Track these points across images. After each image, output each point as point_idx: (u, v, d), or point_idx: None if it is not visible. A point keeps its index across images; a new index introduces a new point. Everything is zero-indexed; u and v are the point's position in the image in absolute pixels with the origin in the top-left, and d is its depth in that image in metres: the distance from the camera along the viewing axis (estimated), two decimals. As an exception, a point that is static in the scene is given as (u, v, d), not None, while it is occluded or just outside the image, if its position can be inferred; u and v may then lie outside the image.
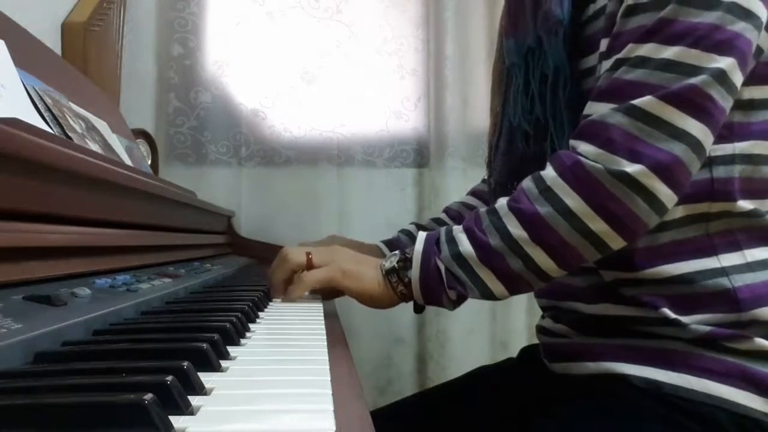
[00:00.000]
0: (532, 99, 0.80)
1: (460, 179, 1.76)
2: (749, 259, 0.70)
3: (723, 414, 0.67)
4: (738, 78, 0.66)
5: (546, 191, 0.69)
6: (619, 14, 0.70)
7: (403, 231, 1.05)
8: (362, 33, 1.83)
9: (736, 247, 0.71)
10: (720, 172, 0.70)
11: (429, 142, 1.83)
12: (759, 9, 0.65)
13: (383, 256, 0.97)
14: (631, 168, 0.65)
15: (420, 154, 1.85)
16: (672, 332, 0.70)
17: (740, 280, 0.69)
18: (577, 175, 0.67)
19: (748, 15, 0.65)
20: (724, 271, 0.70)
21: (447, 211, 1.08)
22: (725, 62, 0.64)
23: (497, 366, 1.01)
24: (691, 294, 0.70)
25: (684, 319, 0.69)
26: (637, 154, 0.65)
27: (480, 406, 0.90)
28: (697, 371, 0.69)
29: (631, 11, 0.68)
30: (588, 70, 0.76)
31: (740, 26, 0.64)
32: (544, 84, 0.78)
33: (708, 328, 0.69)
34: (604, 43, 0.72)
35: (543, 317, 0.87)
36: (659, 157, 0.64)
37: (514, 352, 1.02)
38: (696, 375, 0.69)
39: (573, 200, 0.67)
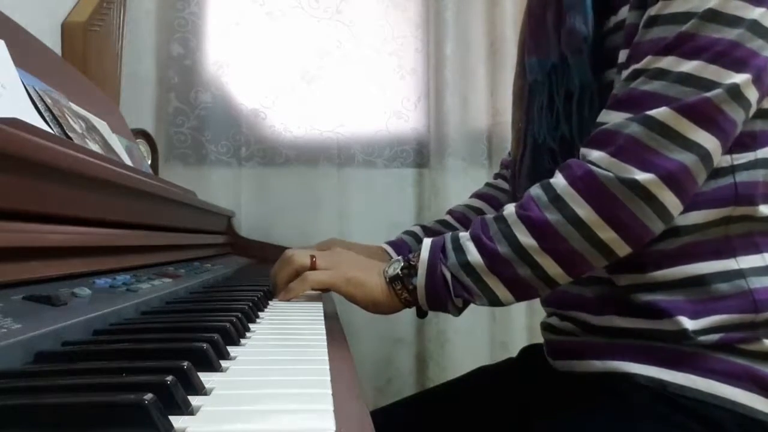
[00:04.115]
0: (557, 116, 0.80)
1: (460, 179, 1.76)
2: None
3: (727, 415, 0.68)
4: (752, 93, 0.67)
5: (556, 200, 0.69)
6: (641, 24, 0.70)
7: (408, 232, 1.05)
8: (362, 33, 1.83)
9: (755, 249, 0.71)
10: (743, 176, 0.71)
11: (429, 142, 1.83)
12: None
13: (386, 257, 0.97)
14: (642, 176, 0.65)
15: (420, 154, 1.85)
16: (683, 339, 0.70)
17: (758, 282, 0.70)
18: (588, 185, 0.68)
19: (767, 34, 0.66)
20: (741, 273, 0.70)
21: (451, 213, 1.08)
22: (741, 78, 0.65)
23: (497, 366, 1.01)
24: (707, 297, 0.70)
25: (698, 327, 0.69)
26: (648, 164, 0.66)
27: (480, 406, 0.90)
28: (703, 371, 0.69)
29: (653, 22, 0.69)
30: (610, 83, 0.76)
31: (758, 44, 0.65)
32: (568, 101, 0.79)
33: (719, 335, 0.69)
34: (623, 55, 0.73)
35: (549, 315, 0.87)
36: (669, 166, 0.65)
37: (514, 352, 1.02)
38: (702, 375, 0.69)
39: (584, 210, 0.68)
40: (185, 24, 1.75)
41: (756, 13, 0.65)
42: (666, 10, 0.68)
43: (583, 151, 0.70)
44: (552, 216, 0.69)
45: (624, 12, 0.74)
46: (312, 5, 1.81)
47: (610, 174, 0.66)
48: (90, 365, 0.42)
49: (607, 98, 0.75)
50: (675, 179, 0.65)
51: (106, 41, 1.43)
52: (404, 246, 1.00)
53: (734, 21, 0.65)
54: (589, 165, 0.68)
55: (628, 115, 0.68)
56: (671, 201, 0.66)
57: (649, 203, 0.66)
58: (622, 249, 0.68)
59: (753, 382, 0.68)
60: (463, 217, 1.05)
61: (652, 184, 0.65)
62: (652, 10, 0.69)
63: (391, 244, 1.02)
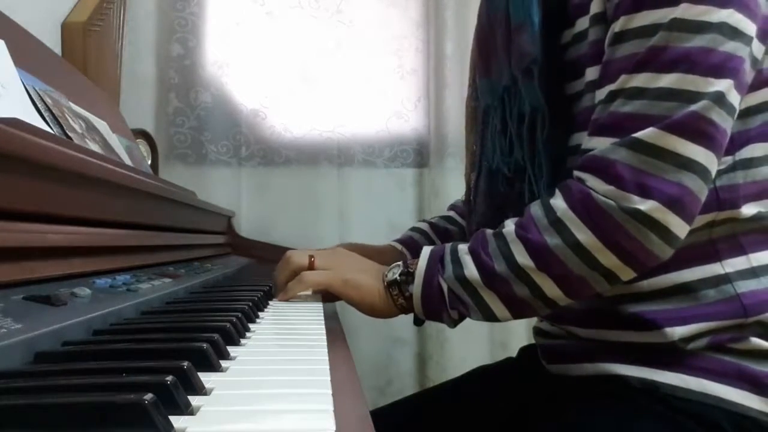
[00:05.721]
0: (510, 141, 0.78)
1: (460, 179, 1.73)
2: (754, 264, 0.70)
3: (721, 413, 0.68)
4: (735, 98, 0.64)
5: (556, 223, 0.67)
6: (607, 42, 0.68)
7: (416, 230, 1.04)
8: (362, 33, 1.83)
9: (740, 251, 0.70)
10: (723, 180, 0.69)
11: (429, 142, 1.83)
12: (747, 26, 0.64)
13: (398, 255, 0.97)
14: (644, 205, 0.63)
15: (420, 154, 1.85)
16: (672, 349, 0.70)
17: (744, 287, 0.69)
18: (589, 210, 0.66)
19: (737, 33, 0.63)
20: (727, 278, 0.69)
21: (453, 207, 1.07)
22: (723, 84, 0.63)
23: (497, 366, 1.01)
24: (695, 304, 0.69)
25: (686, 334, 0.69)
26: (647, 190, 0.63)
27: (480, 406, 0.90)
28: (695, 371, 0.69)
29: (619, 39, 0.66)
30: (574, 95, 0.74)
31: (731, 46, 0.63)
32: (522, 124, 0.76)
33: (708, 338, 0.69)
34: (590, 72, 0.71)
35: (540, 320, 0.87)
36: (669, 190, 0.63)
37: (513, 352, 1.02)
38: (693, 375, 0.69)
39: (584, 235, 0.66)
40: (185, 24, 1.75)
41: (723, 14, 0.63)
42: (631, 24, 0.65)
43: (580, 175, 0.68)
44: (551, 239, 0.67)
45: (582, 23, 0.72)
46: (312, 5, 1.81)
47: (612, 203, 0.64)
48: (90, 365, 0.42)
49: (570, 110, 0.74)
50: (678, 202, 0.63)
51: (106, 41, 1.44)
52: (414, 244, 0.99)
53: (702, 27, 0.62)
54: (589, 189, 0.66)
55: (614, 140, 0.65)
56: (677, 224, 0.64)
57: (654, 231, 0.64)
58: (627, 274, 0.67)
59: (743, 380, 0.68)
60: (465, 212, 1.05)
61: (655, 211, 0.63)
62: (616, 26, 0.66)
63: (400, 241, 1.01)
